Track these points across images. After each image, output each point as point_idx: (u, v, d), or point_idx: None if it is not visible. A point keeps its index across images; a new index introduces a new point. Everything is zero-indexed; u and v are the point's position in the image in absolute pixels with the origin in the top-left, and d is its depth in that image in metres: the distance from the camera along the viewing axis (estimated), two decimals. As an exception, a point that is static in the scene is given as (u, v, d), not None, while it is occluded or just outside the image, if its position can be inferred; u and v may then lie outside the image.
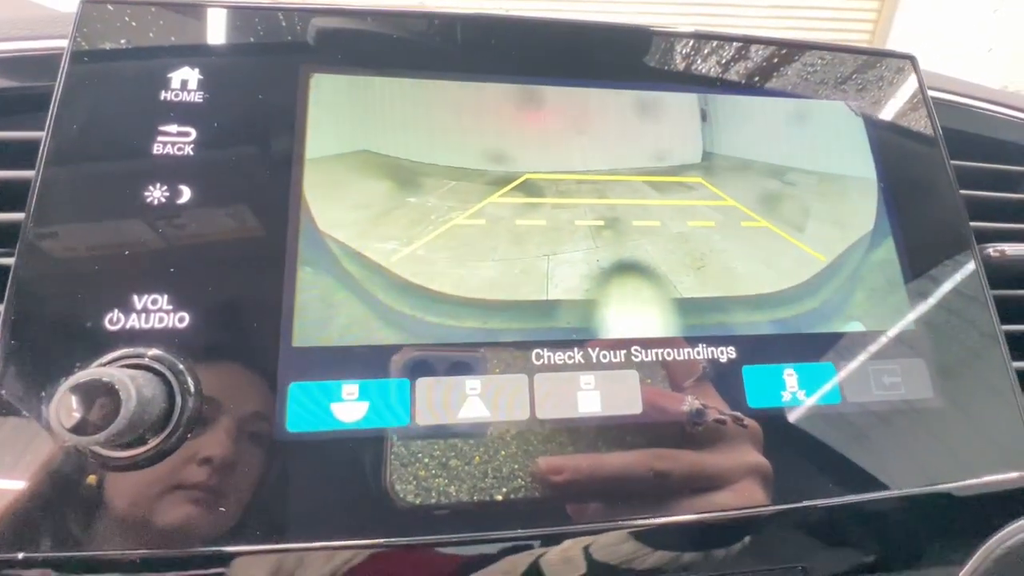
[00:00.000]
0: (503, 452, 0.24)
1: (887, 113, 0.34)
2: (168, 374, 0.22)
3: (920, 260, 0.31)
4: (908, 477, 0.27)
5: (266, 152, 0.26)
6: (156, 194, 0.25)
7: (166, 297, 0.24)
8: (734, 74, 0.33)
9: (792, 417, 0.27)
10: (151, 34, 0.27)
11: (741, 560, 0.26)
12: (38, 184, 0.24)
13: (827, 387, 0.28)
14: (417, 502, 0.23)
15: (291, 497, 0.22)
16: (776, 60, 0.34)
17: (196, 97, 0.27)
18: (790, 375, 0.28)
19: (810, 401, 0.27)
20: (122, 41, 0.27)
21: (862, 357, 0.29)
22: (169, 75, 0.27)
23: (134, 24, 0.27)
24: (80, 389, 0.19)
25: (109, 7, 0.27)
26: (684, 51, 0.33)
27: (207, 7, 0.28)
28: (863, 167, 0.33)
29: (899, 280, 0.31)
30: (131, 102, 0.26)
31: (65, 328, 0.22)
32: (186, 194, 0.25)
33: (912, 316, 0.30)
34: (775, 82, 0.33)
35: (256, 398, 0.23)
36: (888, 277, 0.31)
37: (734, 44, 0.34)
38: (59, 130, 0.25)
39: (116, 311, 0.23)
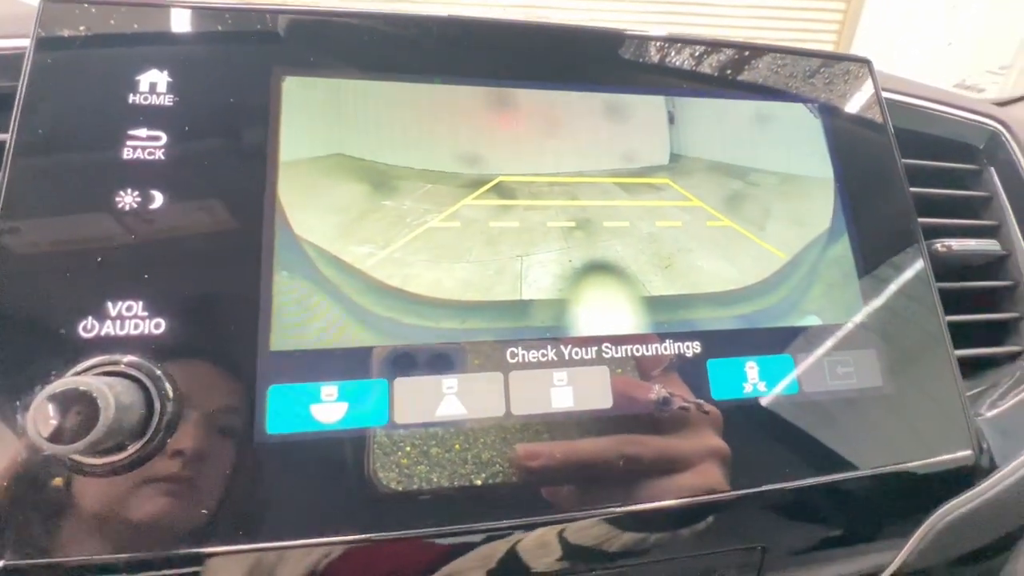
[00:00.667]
0: (481, 441, 0.25)
1: (844, 115, 0.36)
2: (146, 380, 0.22)
3: (872, 256, 0.33)
4: (860, 460, 0.29)
5: (239, 156, 0.26)
6: (128, 199, 0.25)
7: (141, 303, 0.24)
8: (700, 77, 0.34)
9: (753, 407, 0.29)
10: (117, 35, 0.27)
11: (704, 542, 0.27)
12: (4, 191, 0.24)
13: (786, 378, 0.29)
14: (399, 489, 0.24)
15: (272, 497, 0.23)
16: (740, 63, 0.35)
17: (166, 100, 0.26)
18: (751, 368, 0.29)
19: (770, 392, 0.29)
20: (87, 42, 0.26)
21: (818, 349, 0.30)
22: (137, 77, 0.26)
23: (99, 24, 0.27)
24: (57, 398, 0.19)
25: (72, 6, 0.27)
26: (652, 54, 0.34)
27: (175, 7, 0.28)
28: (821, 167, 0.34)
29: (853, 275, 0.32)
30: (99, 105, 0.26)
31: (39, 336, 0.22)
32: (159, 199, 0.25)
33: (864, 310, 0.32)
34: (739, 85, 0.35)
35: (235, 402, 0.24)
36: (843, 273, 0.32)
37: (700, 47, 0.35)
38: (24, 134, 0.24)
39: (90, 318, 0.23)
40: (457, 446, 0.25)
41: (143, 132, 0.26)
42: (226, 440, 0.23)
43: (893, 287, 0.33)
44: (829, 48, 2.49)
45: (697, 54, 0.35)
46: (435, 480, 0.24)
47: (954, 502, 0.31)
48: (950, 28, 1.99)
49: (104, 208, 0.24)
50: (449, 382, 0.26)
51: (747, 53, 0.35)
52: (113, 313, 0.23)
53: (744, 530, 0.28)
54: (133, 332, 0.23)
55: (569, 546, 0.26)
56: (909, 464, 0.30)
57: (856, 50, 2.36)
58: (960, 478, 0.31)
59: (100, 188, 0.25)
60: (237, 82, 0.27)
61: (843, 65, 0.37)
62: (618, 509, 0.26)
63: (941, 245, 0.37)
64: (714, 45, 0.35)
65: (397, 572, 0.25)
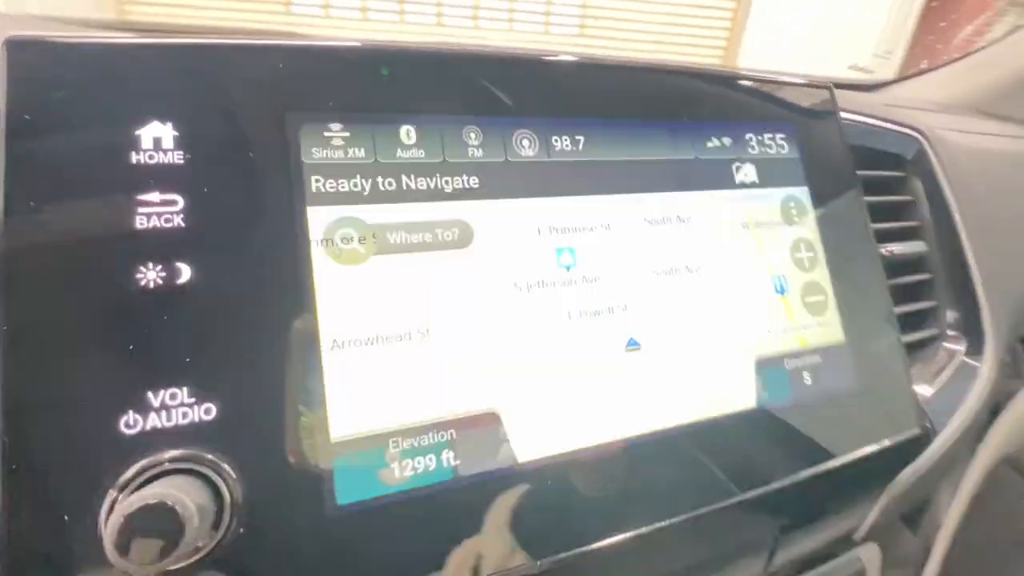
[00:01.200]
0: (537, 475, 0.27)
1: (814, 138, 0.39)
2: (210, 473, 0.21)
3: (842, 268, 0.38)
4: (844, 448, 0.34)
5: (267, 214, 0.25)
6: (151, 276, 0.22)
7: (185, 390, 0.22)
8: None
9: (759, 416, 0.32)
10: (107, 81, 0.23)
11: (730, 537, 0.31)
12: (4, 277, 0.21)
13: (782, 387, 0.33)
14: (476, 541, 0.25)
15: (355, 568, 0.23)
16: (731, 91, 0.37)
17: (175, 158, 0.24)
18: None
19: (770, 400, 0.33)
20: (72, 92, 0.23)
21: (808, 358, 0.35)
22: (138, 132, 0.23)
23: (82, 70, 0.23)
24: (136, 518, 0.18)
25: (44, 48, 0.23)
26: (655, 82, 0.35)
27: (163, 45, 0.25)
28: (798, 190, 0.38)
29: (829, 291, 0.37)
30: (98, 168, 0.23)
31: (77, 440, 0.20)
32: (185, 272, 0.23)
33: (839, 317, 0.37)
34: (731, 112, 0.37)
35: (303, 477, 0.23)
36: (822, 287, 0.37)
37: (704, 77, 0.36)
38: (15, 209, 0.21)
39: (131, 413, 0.21)
40: (514, 486, 0.26)
41: (155, 197, 0.23)
42: (300, 517, 0.23)
43: (858, 293, 0.38)
44: (723, 35, 2.58)
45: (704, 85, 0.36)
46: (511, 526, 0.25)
47: (908, 470, 0.37)
48: (840, 15, 2.18)
49: (125, 289, 0.22)
50: (504, 426, 0.27)
51: (742, 82, 0.38)
52: (156, 404, 0.22)
53: (762, 521, 0.32)
54: (182, 422, 0.22)
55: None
56: (877, 445, 0.35)
57: (748, 35, 2.48)
58: (911, 450, 0.38)
59: (116, 266, 0.22)
60: (249, 130, 0.25)
61: (811, 91, 0.40)
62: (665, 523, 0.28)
63: (886, 250, 0.43)
64: (715, 74, 0.37)
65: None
